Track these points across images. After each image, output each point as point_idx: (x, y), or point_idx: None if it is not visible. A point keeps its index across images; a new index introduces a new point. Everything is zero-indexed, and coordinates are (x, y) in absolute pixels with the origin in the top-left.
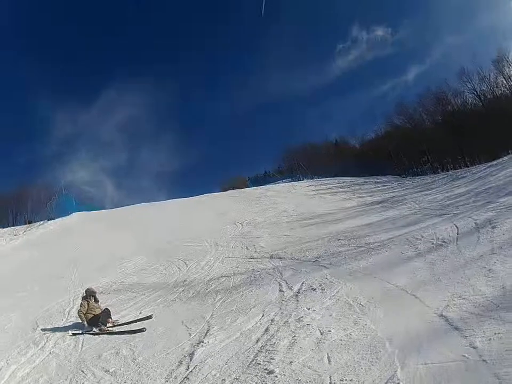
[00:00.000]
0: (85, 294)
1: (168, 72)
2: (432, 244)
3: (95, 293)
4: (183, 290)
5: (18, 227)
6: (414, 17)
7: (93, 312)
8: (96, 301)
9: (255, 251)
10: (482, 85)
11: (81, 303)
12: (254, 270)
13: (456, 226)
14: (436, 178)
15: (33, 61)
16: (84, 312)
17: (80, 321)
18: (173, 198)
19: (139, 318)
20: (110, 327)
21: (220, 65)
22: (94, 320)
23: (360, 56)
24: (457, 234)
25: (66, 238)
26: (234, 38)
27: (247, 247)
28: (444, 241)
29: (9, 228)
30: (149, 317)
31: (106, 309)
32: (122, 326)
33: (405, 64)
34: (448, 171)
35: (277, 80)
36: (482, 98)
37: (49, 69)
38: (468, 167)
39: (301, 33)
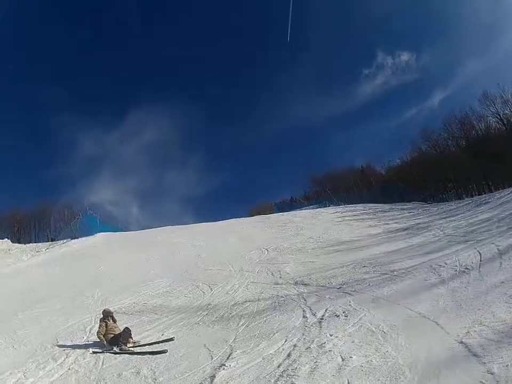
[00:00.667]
0: (102, 316)
1: (196, 96)
2: (455, 270)
3: (112, 313)
4: (206, 314)
5: (40, 244)
6: (437, 41)
7: (113, 332)
8: (114, 321)
9: (280, 277)
10: (505, 109)
11: (99, 325)
12: (278, 295)
13: (479, 252)
14: (460, 204)
15: (59, 83)
16: (103, 333)
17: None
18: (198, 222)
19: (161, 340)
20: (131, 347)
21: (247, 91)
22: (114, 340)
23: (385, 81)
24: (480, 261)
25: (90, 258)
26: (263, 64)
27: (272, 273)
28: (467, 268)
29: (31, 244)
30: (170, 339)
31: (126, 328)
32: (144, 347)
33: (429, 90)
34: (472, 197)
35: (303, 107)
36: (505, 122)
37: (74, 90)
38: (492, 192)
39: (327, 59)
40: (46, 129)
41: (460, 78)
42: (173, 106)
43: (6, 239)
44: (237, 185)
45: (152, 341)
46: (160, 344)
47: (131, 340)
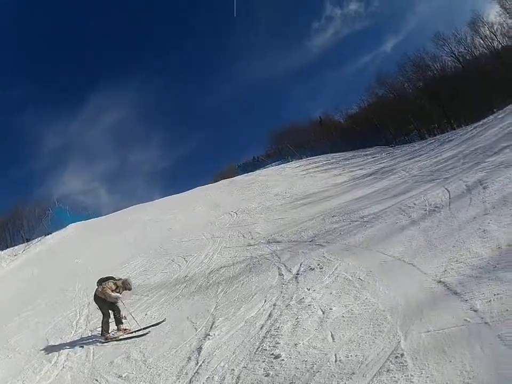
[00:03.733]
0: (99, 279)
1: (149, 69)
2: (425, 210)
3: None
4: (185, 286)
5: (16, 247)
6: None
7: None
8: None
9: (252, 238)
10: (459, 48)
11: (106, 284)
12: (252, 257)
13: (447, 190)
14: (424, 144)
15: (17, 79)
16: (112, 290)
17: (111, 300)
18: (166, 196)
19: (152, 324)
20: (121, 335)
21: (198, 57)
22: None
23: (336, 32)
24: (449, 198)
25: (65, 251)
26: (209, 27)
27: (243, 235)
28: (437, 207)
29: (8, 249)
30: (162, 321)
31: (116, 313)
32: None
33: (381, 36)
34: (435, 136)
35: (259, 65)
36: (461, 60)
37: (32, 85)
38: (455, 129)
39: (275, 16)
40: (7, 127)
41: (412, 22)
42: (128, 85)
43: None
44: (201, 152)
45: (142, 327)
46: (151, 327)
47: (122, 327)
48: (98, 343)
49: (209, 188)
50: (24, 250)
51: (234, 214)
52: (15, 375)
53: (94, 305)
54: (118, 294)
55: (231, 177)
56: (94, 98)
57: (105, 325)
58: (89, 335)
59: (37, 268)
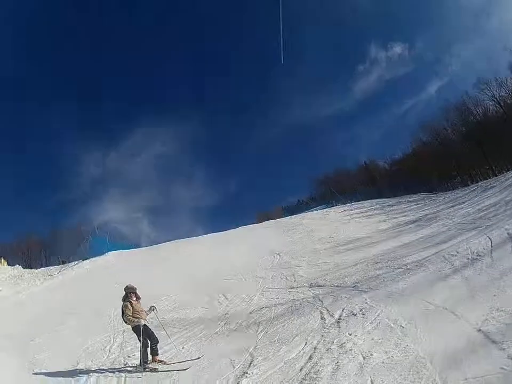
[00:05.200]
0: (124, 293)
1: (197, 107)
2: (468, 259)
3: (135, 289)
4: (224, 323)
5: (52, 267)
6: (428, 30)
7: (138, 315)
8: (138, 298)
9: (294, 280)
10: (501, 91)
11: (124, 305)
12: (294, 299)
13: (489, 238)
14: (467, 191)
15: (58, 106)
16: (131, 314)
17: (131, 325)
18: (209, 233)
19: (190, 359)
20: (155, 367)
21: (246, 96)
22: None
23: (380, 75)
24: (491, 246)
25: (103, 276)
26: (260, 69)
27: (286, 277)
28: (479, 255)
29: (42, 268)
30: (197, 358)
31: (152, 306)
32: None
33: (425, 80)
34: (477, 182)
35: (304, 109)
36: (502, 104)
37: (74, 111)
38: (497, 176)
39: (321, 59)
40: (49, 154)
41: (454, 65)
42: (175, 120)
43: (18, 265)
44: (244, 192)
45: (180, 361)
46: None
47: (157, 359)
48: (131, 371)
49: (254, 227)
50: (59, 271)
51: (278, 255)
52: None
53: (129, 332)
54: (133, 320)
55: (276, 218)
56: (138, 130)
57: (143, 354)
58: (123, 362)
59: (72, 289)
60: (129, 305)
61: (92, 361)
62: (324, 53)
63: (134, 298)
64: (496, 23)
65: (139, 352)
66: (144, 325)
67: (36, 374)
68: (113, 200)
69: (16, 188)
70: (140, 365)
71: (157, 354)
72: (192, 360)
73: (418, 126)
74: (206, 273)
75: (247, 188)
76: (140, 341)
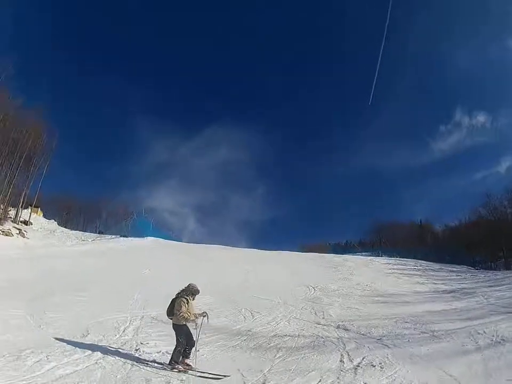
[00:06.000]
0: (185, 291)
1: (276, 125)
2: (492, 340)
3: (198, 292)
4: (245, 339)
5: (87, 233)
6: None
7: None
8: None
9: (323, 317)
10: None
11: (181, 300)
12: (318, 335)
13: None
14: (508, 275)
15: (142, 83)
16: (185, 311)
17: (178, 321)
18: (251, 247)
19: (215, 375)
20: (183, 369)
21: (326, 130)
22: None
23: (459, 140)
24: None
25: (136, 259)
26: (344, 109)
27: (315, 312)
28: (503, 339)
29: (77, 231)
30: (226, 376)
31: (205, 312)
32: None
33: (499, 155)
34: None
35: (377, 155)
36: None
37: (157, 95)
38: None
39: (407, 111)
40: (122, 124)
41: None
42: (249, 131)
43: (53, 220)
44: (296, 218)
45: (206, 372)
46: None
47: (186, 361)
48: (140, 358)
49: (296, 255)
50: (93, 240)
51: (313, 289)
52: (41, 347)
53: (147, 320)
54: (188, 317)
55: (320, 252)
56: (211, 129)
57: (176, 354)
58: (134, 346)
59: (102, 261)
60: (186, 302)
61: (103, 336)
62: (411, 105)
63: (192, 300)
64: None
65: (173, 351)
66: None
67: (41, 329)
68: (169, 188)
69: (87, 151)
70: (169, 364)
71: (188, 358)
72: (220, 376)
73: (481, 199)
74: (238, 285)
75: (300, 216)
76: (178, 340)
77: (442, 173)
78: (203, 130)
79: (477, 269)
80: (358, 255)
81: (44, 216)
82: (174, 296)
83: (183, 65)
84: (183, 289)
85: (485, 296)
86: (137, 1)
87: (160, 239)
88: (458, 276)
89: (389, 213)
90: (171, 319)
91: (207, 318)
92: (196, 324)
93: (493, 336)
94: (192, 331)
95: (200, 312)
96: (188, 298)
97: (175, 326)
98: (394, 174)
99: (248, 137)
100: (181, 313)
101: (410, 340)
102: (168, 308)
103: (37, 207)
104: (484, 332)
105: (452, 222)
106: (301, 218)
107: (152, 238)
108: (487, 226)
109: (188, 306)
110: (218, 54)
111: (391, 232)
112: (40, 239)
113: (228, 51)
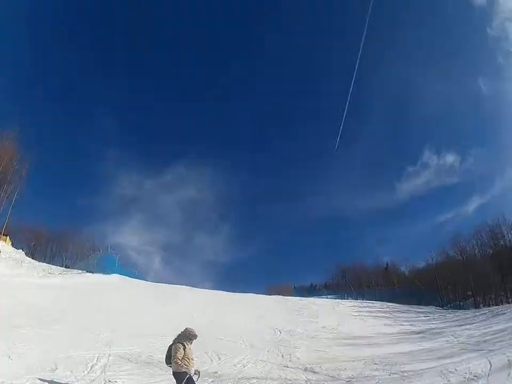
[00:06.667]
0: (181, 336)
1: (241, 166)
2: (464, 377)
3: (196, 337)
4: (212, 381)
5: (54, 266)
6: (484, 146)
7: (188, 359)
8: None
9: (290, 360)
10: None
11: (178, 346)
12: (286, 378)
13: (489, 362)
14: (477, 314)
15: (112, 116)
16: (181, 357)
17: (176, 369)
18: (217, 289)
19: None
20: None
21: (293, 172)
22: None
23: (427, 181)
24: (490, 370)
25: (102, 295)
26: (311, 148)
27: (282, 355)
28: (476, 376)
29: (44, 264)
30: None
31: (198, 371)
32: None
33: (468, 195)
34: (489, 306)
35: (343, 197)
36: None
37: (126, 128)
38: (509, 303)
39: (374, 152)
40: (88, 156)
41: (499, 186)
42: (217, 171)
43: (21, 250)
44: (262, 260)
45: None
46: None
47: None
48: None
49: (262, 298)
50: (60, 273)
51: (279, 331)
52: (11, 378)
53: (115, 358)
54: (182, 364)
55: (285, 295)
56: (178, 167)
57: None
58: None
59: (70, 296)
60: (182, 348)
61: (71, 371)
62: (378, 147)
63: (190, 344)
64: None
65: None
66: (189, 375)
67: (11, 360)
68: (135, 225)
69: (43, 176)
70: None
71: None
72: None
73: (448, 240)
74: (204, 327)
75: (266, 258)
76: None
77: (409, 214)
78: (170, 167)
79: (446, 309)
80: (323, 297)
81: (12, 245)
82: (171, 342)
83: (152, 103)
84: (179, 334)
85: (455, 335)
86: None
87: (126, 276)
88: (427, 316)
89: (355, 255)
90: (170, 366)
91: (199, 375)
92: (189, 372)
93: (465, 373)
94: (195, 378)
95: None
96: (184, 343)
97: (175, 374)
98: (360, 217)
99: (215, 178)
100: (176, 360)
101: (380, 381)
102: (166, 355)
103: (6, 235)
104: (456, 370)
105: (419, 263)
106: (267, 260)
107: (118, 275)
108: (455, 267)
109: (185, 351)
110: (187, 94)
111: (357, 274)
112: (9, 269)
113: (196, 92)
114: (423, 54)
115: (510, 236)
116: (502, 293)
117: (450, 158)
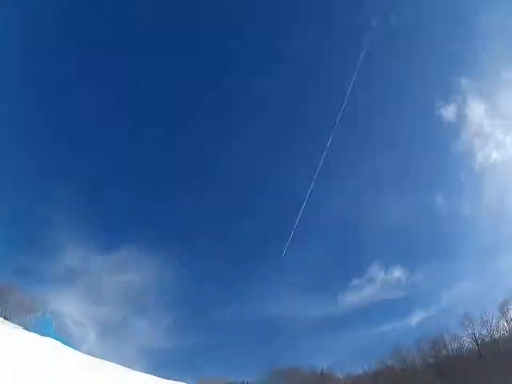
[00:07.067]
0: None
1: (190, 259)
2: None
3: None
4: None
5: None
6: (433, 262)
7: None
8: None
9: None
10: (482, 329)
11: None
12: None
13: None
14: None
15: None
16: None
17: None
18: (151, 373)
19: None
20: None
21: (240, 276)
22: None
23: (371, 294)
24: None
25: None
26: (261, 257)
27: None
28: None
29: None
30: None
31: None
32: None
33: (412, 308)
34: None
35: (286, 303)
36: (479, 343)
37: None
38: None
39: (320, 263)
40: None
41: (446, 299)
42: (164, 261)
43: None
44: (198, 352)
45: None
46: None
47: None
48: None
49: None
50: None
51: None
52: None
53: None
54: None
55: None
56: (124, 248)
57: None
58: None
59: None
60: None
61: None
62: (325, 258)
63: None
64: (498, 265)
65: None
66: None
67: None
68: (76, 296)
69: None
70: None
71: None
72: None
73: (388, 349)
74: None
75: (204, 350)
76: None
77: (349, 324)
78: (119, 248)
79: None
80: None
81: None
82: None
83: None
84: None
85: None
86: None
87: (60, 342)
88: None
89: (290, 360)
90: None
91: None
92: None
93: None
94: None
95: None
96: None
97: None
98: (300, 323)
99: (162, 267)
100: None
101: None
102: None
103: None
104: None
105: (356, 371)
106: (205, 352)
107: (53, 339)
108: (393, 375)
109: None
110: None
111: (291, 377)
112: None
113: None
114: (383, 174)
115: (453, 346)
116: None
117: (397, 273)
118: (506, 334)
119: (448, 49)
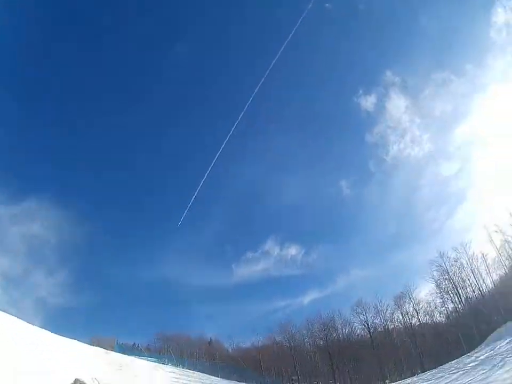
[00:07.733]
0: None
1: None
2: None
3: None
4: None
5: None
6: (328, 243)
7: None
8: None
9: None
10: (376, 318)
11: None
12: None
13: None
14: None
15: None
16: None
17: None
18: (46, 328)
19: None
20: None
21: (137, 239)
22: None
23: (265, 269)
24: None
25: None
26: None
27: None
28: None
29: None
30: None
31: None
32: None
33: (306, 288)
34: None
35: (178, 268)
36: (371, 331)
37: None
38: None
39: (214, 232)
40: None
41: (342, 283)
42: (65, 214)
43: None
44: (91, 310)
45: None
46: None
47: None
48: None
49: (86, 347)
50: None
51: None
52: None
53: None
54: None
55: (107, 348)
56: (31, 201)
57: None
58: None
59: None
60: None
61: None
62: (222, 229)
63: None
64: (397, 257)
65: None
66: None
67: None
68: None
69: None
70: None
71: None
72: None
73: (278, 326)
74: None
75: (97, 308)
76: None
77: (241, 296)
78: (24, 199)
79: None
80: (144, 359)
81: None
82: None
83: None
84: None
85: None
86: None
87: None
88: None
89: (181, 325)
90: None
91: None
92: None
93: None
94: None
95: None
96: None
97: None
98: (193, 290)
99: (65, 220)
100: None
101: None
102: None
103: None
104: None
105: (244, 343)
106: (96, 311)
107: None
108: (282, 351)
109: None
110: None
111: (179, 343)
112: None
113: None
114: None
115: (344, 330)
116: (331, 381)
117: (293, 250)
118: (401, 326)
119: (379, 42)
